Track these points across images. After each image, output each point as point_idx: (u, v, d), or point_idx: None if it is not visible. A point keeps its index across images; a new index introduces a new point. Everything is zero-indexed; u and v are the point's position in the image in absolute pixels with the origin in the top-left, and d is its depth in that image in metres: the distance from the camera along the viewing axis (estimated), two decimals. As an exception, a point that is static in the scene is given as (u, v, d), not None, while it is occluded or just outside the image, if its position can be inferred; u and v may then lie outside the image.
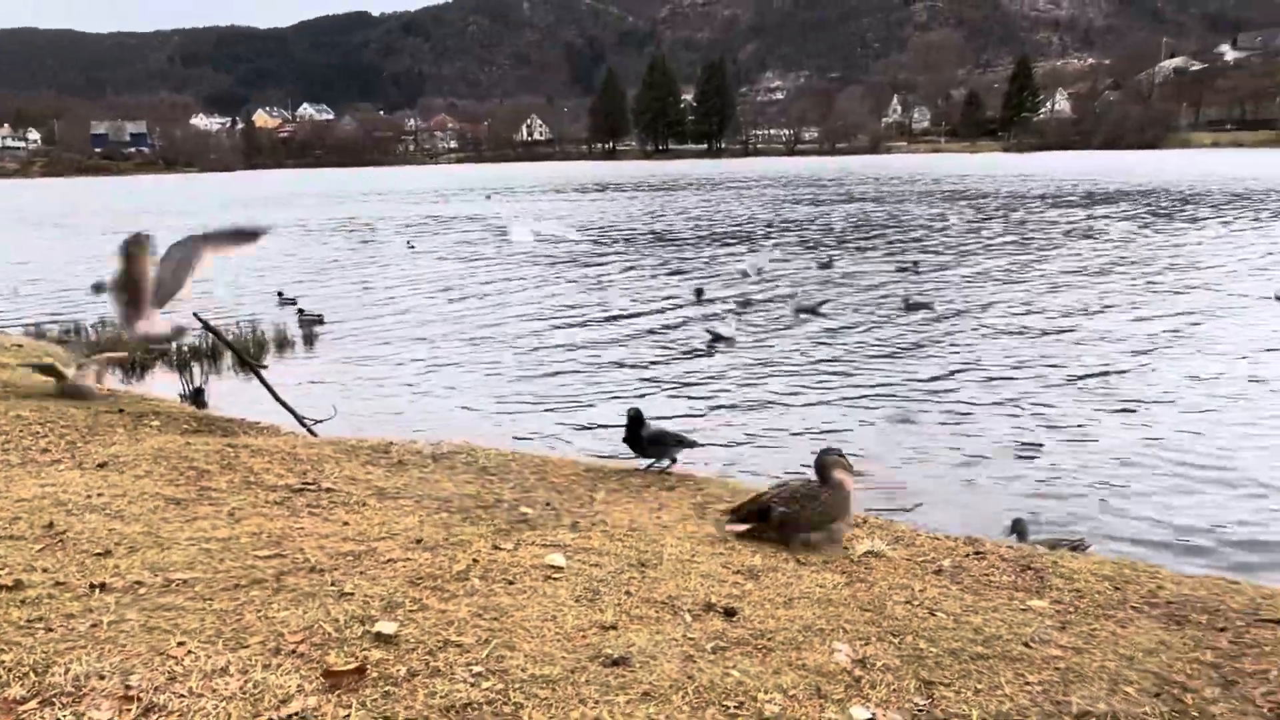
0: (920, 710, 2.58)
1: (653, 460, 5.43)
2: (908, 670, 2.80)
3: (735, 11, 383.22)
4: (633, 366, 12.36)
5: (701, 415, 10.02)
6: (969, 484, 7.89)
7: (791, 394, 10.80)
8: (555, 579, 3.34)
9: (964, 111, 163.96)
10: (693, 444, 5.48)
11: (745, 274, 19.49)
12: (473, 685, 2.50)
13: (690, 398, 10.78)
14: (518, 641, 2.78)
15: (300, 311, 15.99)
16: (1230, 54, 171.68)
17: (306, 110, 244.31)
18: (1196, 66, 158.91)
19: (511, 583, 3.26)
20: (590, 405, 10.54)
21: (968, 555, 4.09)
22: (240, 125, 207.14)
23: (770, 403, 10.45)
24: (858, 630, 3.07)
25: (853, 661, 2.83)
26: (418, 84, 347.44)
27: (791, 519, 3.98)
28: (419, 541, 3.64)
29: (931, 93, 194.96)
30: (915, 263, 21.17)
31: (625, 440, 5.36)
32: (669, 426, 6.32)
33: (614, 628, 2.94)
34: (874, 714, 2.51)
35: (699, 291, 17.49)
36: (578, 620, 2.98)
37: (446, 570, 3.32)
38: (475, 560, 3.44)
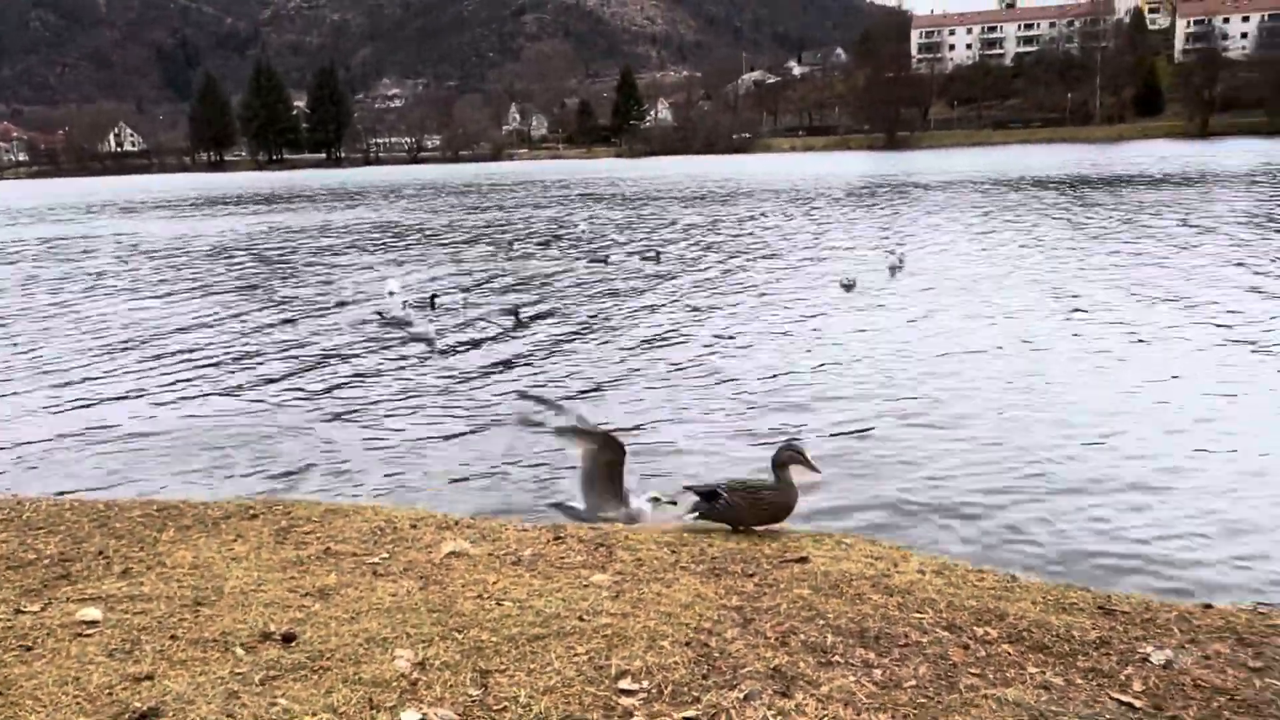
0: (474, 701, 2.65)
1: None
2: (467, 664, 2.86)
3: (345, 16, 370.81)
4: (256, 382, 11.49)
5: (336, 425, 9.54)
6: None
7: (410, 410, 10.63)
8: (87, 635, 3.01)
9: (578, 119, 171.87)
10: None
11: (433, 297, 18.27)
12: (-46, 777, 2.18)
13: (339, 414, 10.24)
14: (24, 715, 2.46)
15: None
16: (797, 69, 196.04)
17: None
18: (772, 80, 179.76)
19: (30, 648, 2.90)
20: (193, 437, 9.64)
21: (549, 542, 4.28)
22: None
23: (387, 416, 10.19)
24: (422, 633, 3.09)
25: (413, 665, 2.85)
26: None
27: (728, 511, 4.39)
28: (-87, 621, 3.11)
29: (547, 101, 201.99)
30: (658, 253, 21.33)
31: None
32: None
33: (149, 678, 2.71)
34: (425, 714, 2.54)
35: (433, 298, 16.38)
36: (106, 677, 2.71)
37: (-57, 649, 2.87)
38: (-15, 631, 3.01)
